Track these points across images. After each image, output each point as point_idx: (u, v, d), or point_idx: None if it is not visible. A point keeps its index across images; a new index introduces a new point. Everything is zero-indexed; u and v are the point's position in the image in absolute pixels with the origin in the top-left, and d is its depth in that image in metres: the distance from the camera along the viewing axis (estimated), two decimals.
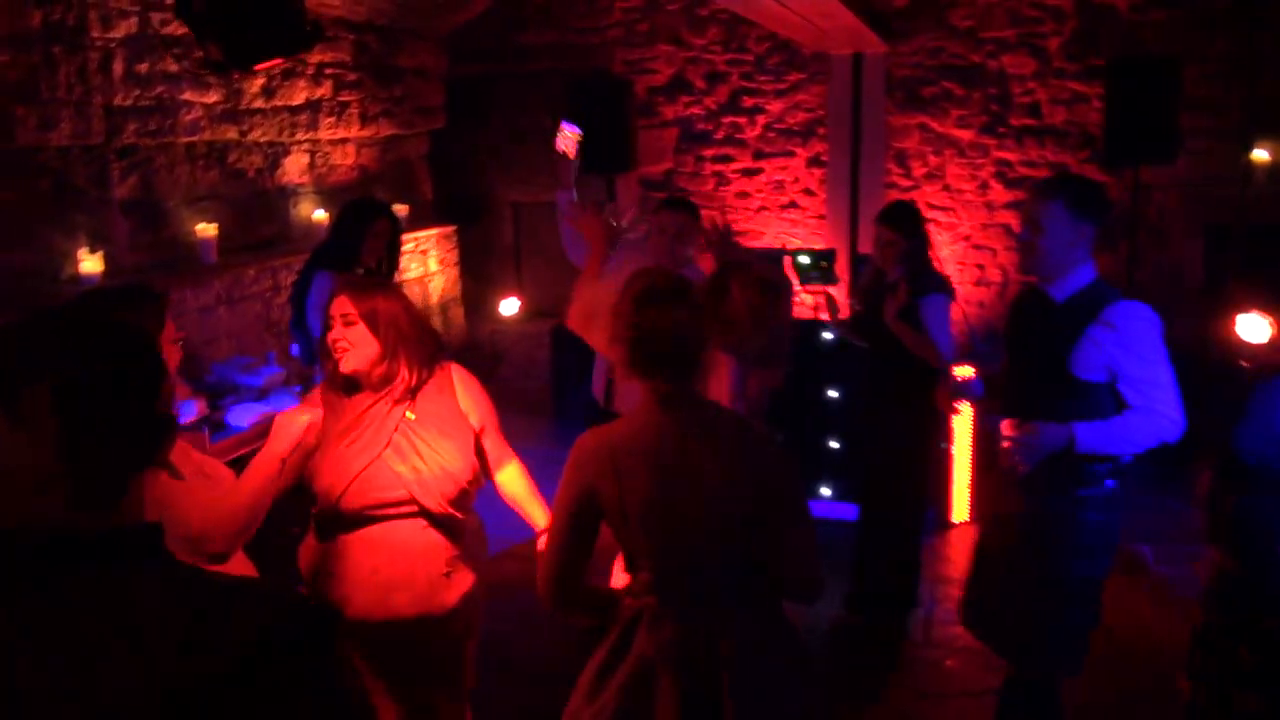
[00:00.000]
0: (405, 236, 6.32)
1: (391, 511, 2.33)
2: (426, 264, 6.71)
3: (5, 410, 1.08)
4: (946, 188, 6.17)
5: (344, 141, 5.94)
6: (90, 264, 4.12)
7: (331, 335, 2.34)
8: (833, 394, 4.69)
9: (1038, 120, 5.97)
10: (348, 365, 2.33)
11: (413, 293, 6.57)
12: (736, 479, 1.84)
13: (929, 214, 6.24)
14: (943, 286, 3.56)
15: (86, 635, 1.13)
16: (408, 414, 2.37)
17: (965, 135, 6.10)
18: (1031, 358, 2.47)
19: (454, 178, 7.21)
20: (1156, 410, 2.29)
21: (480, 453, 2.50)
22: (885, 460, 3.78)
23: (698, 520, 1.84)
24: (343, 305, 2.34)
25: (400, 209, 6.33)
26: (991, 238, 6.15)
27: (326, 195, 5.77)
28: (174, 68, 4.49)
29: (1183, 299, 5.55)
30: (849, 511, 4.42)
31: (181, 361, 3.26)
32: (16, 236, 3.85)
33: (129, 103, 4.28)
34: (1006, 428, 2.34)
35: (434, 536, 2.36)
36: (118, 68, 4.19)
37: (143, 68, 4.31)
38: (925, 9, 5.98)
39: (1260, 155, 5.61)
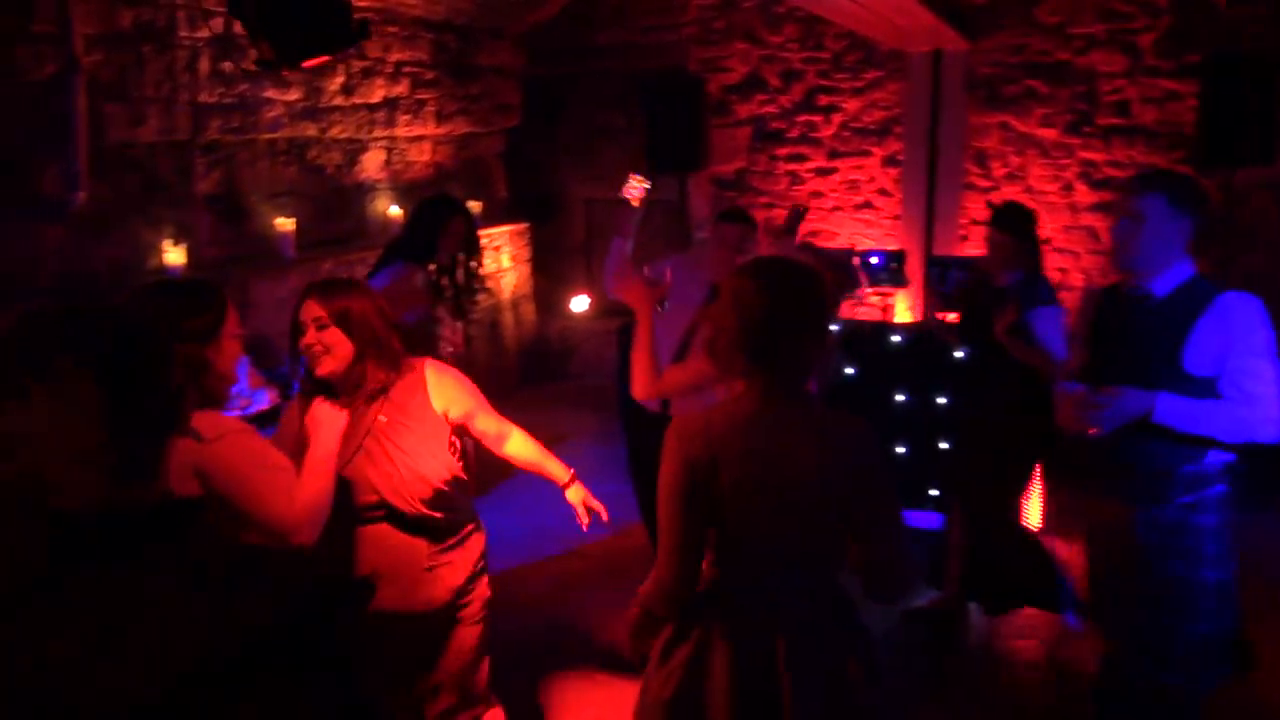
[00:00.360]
0: (479, 233, 6.43)
1: (368, 515, 2.40)
2: (499, 260, 6.78)
3: (39, 379, 1.12)
4: (1028, 189, 5.98)
5: (420, 139, 6.04)
6: (174, 256, 4.26)
7: (304, 341, 2.33)
8: (900, 398, 4.58)
9: (1127, 119, 5.75)
10: (324, 369, 2.31)
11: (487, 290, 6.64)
12: (830, 466, 1.81)
13: None
14: (1053, 297, 3.42)
15: (149, 603, 1.16)
16: (380, 417, 2.38)
17: (1049, 135, 5.90)
18: (1135, 355, 2.37)
19: (527, 175, 7.28)
20: (1254, 404, 2.20)
21: (472, 439, 2.58)
22: (988, 469, 3.62)
23: (789, 504, 1.82)
24: (312, 309, 2.33)
25: (474, 206, 6.42)
26: (1074, 241, 5.94)
27: (402, 191, 5.87)
28: (256, 66, 4.62)
29: (1276, 304, 5.28)
30: (918, 519, 4.33)
31: (251, 352, 3.36)
32: (108, 229, 4.00)
33: (213, 100, 4.42)
34: (1081, 391, 2.26)
35: (411, 536, 2.43)
36: (203, 66, 4.33)
37: (227, 66, 4.45)
38: (1009, 5, 5.81)
39: None
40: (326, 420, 2.22)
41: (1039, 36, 5.79)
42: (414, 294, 3.70)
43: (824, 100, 6.35)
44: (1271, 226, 5.55)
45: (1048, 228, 5.99)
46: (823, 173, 6.43)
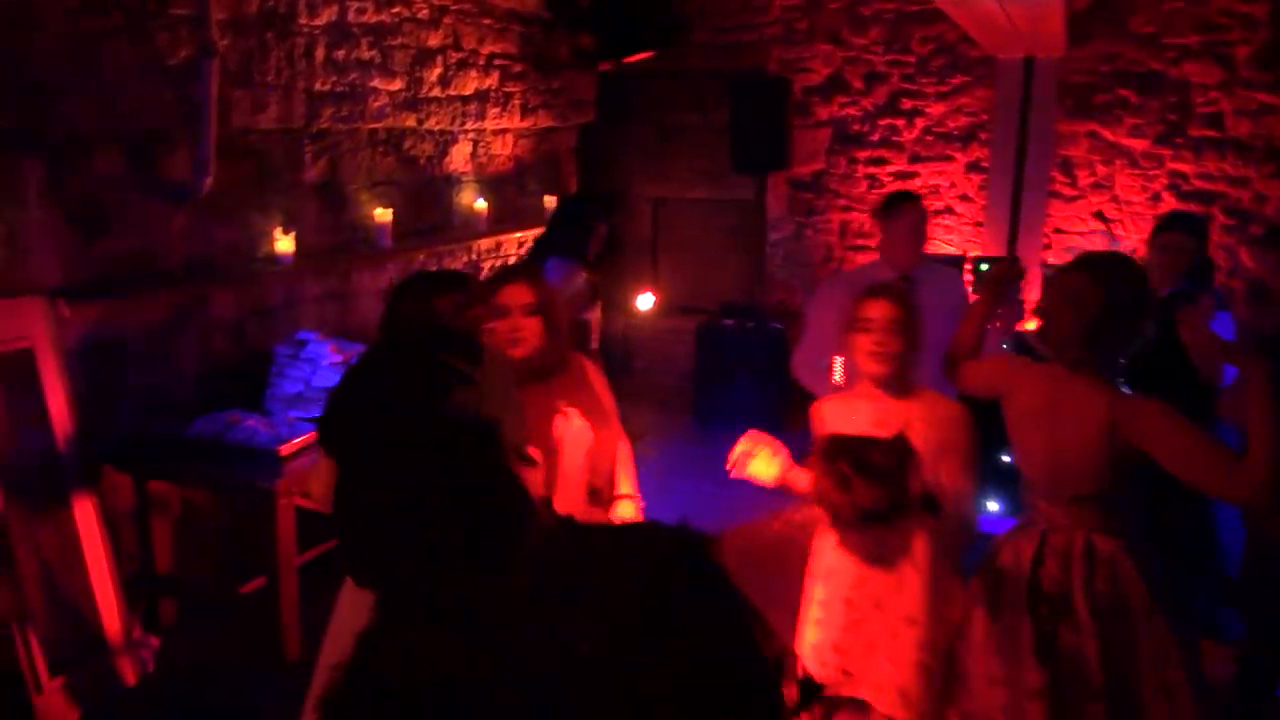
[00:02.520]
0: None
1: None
2: None
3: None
4: (1114, 199, 5.95)
5: (504, 132, 6.02)
6: (284, 244, 4.25)
7: (502, 324, 2.36)
8: None
9: (1219, 132, 5.71)
10: (522, 351, 2.37)
11: None
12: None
13: (1092, 224, 6.05)
14: (1225, 304, 3.39)
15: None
16: (565, 409, 2.42)
17: (1139, 145, 5.87)
18: None
19: (596, 172, 7.25)
20: None
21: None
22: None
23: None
24: (521, 294, 2.40)
25: (550, 201, 6.41)
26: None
27: (485, 184, 5.85)
28: (367, 55, 4.60)
29: None
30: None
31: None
32: (226, 215, 3.99)
33: (326, 88, 4.41)
34: None
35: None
36: (319, 54, 4.31)
37: (340, 54, 4.43)
38: (1103, 13, 5.77)
39: None
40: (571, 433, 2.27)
41: (1132, 46, 5.76)
42: (579, 292, 3.74)
43: (907, 104, 6.32)
44: None
45: (1133, 238, 5.96)
46: (903, 176, 6.40)
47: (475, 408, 1.12)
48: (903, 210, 3.35)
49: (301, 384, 3.73)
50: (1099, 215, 6.00)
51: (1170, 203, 5.87)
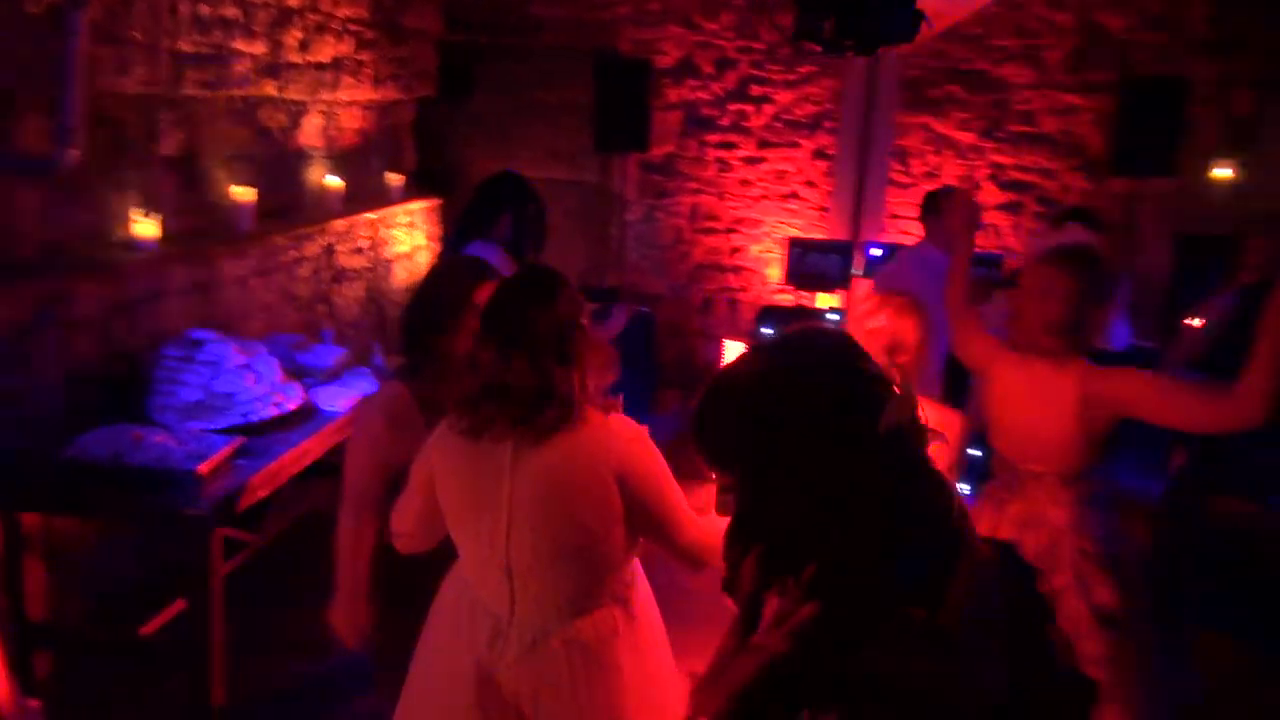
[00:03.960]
0: (396, 209, 6.02)
1: None
2: (414, 238, 6.37)
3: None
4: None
5: (352, 104, 5.54)
6: (145, 227, 3.69)
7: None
8: None
9: (1033, 128, 6.31)
10: None
11: (403, 269, 6.24)
12: None
13: None
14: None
15: None
16: None
17: (965, 138, 6.36)
18: None
19: (431, 148, 6.88)
20: None
21: None
22: None
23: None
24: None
25: (395, 179, 6.01)
26: (981, 237, 6.44)
27: (335, 160, 5.37)
28: (230, 13, 4.06)
29: (1146, 296, 6.03)
30: None
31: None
32: (83, 194, 3.39)
33: (190, 49, 3.84)
34: None
35: None
36: (183, 9, 3.75)
37: (205, 9, 3.88)
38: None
39: (1223, 173, 6.15)
40: None
41: (961, 45, 6.22)
42: None
43: (757, 91, 6.47)
44: (1152, 231, 6.28)
45: None
46: (751, 161, 6.56)
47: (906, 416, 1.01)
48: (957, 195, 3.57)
49: (201, 391, 3.26)
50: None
51: (992, 191, 6.42)
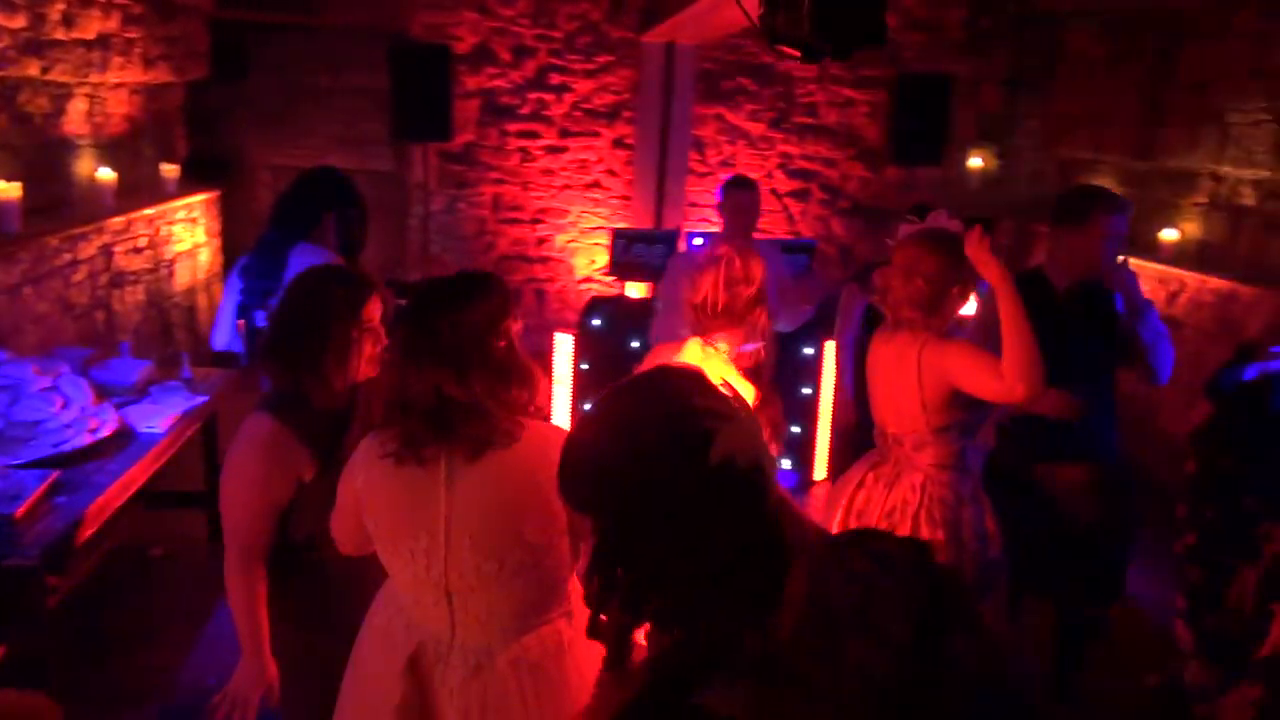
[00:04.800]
0: (176, 203, 5.51)
1: None
2: (194, 235, 5.83)
3: None
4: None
5: (121, 86, 4.97)
6: None
7: (374, 339, 2.14)
8: None
9: (815, 119, 6.70)
10: None
11: (186, 269, 5.71)
12: None
13: None
14: None
15: None
16: None
17: (756, 128, 6.66)
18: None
19: (205, 135, 6.31)
20: None
21: None
22: None
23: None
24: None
25: (170, 170, 5.50)
26: (774, 223, 6.79)
27: (104, 150, 4.80)
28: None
29: None
30: None
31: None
32: None
33: None
34: None
35: None
36: None
37: None
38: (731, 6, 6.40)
39: (977, 162, 6.84)
40: None
41: (750, 39, 6.48)
42: None
43: (556, 79, 6.43)
44: None
45: None
46: (554, 150, 6.53)
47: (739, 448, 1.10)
48: (735, 192, 3.59)
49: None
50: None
51: (781, 180, 6.77)
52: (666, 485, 1.09)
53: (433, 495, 1.72)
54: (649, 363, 2.55)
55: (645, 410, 1.16)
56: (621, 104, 6.50)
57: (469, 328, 1.71)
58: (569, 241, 6.65)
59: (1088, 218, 2.77)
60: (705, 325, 2.47)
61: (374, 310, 2.09)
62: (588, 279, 6.71)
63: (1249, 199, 5.05)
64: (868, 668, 1.05)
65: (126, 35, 4.83)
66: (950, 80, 6.03)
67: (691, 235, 5.24)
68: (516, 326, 1.79)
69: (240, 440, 2.02)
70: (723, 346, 2.44)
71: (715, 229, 6.27)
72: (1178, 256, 5.27)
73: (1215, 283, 4.92)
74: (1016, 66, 6.55)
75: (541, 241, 6.66)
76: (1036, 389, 2.29)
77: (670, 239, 5.27)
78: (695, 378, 1.20)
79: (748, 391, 2.41)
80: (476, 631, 1.78)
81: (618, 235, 5.24)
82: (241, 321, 3.35)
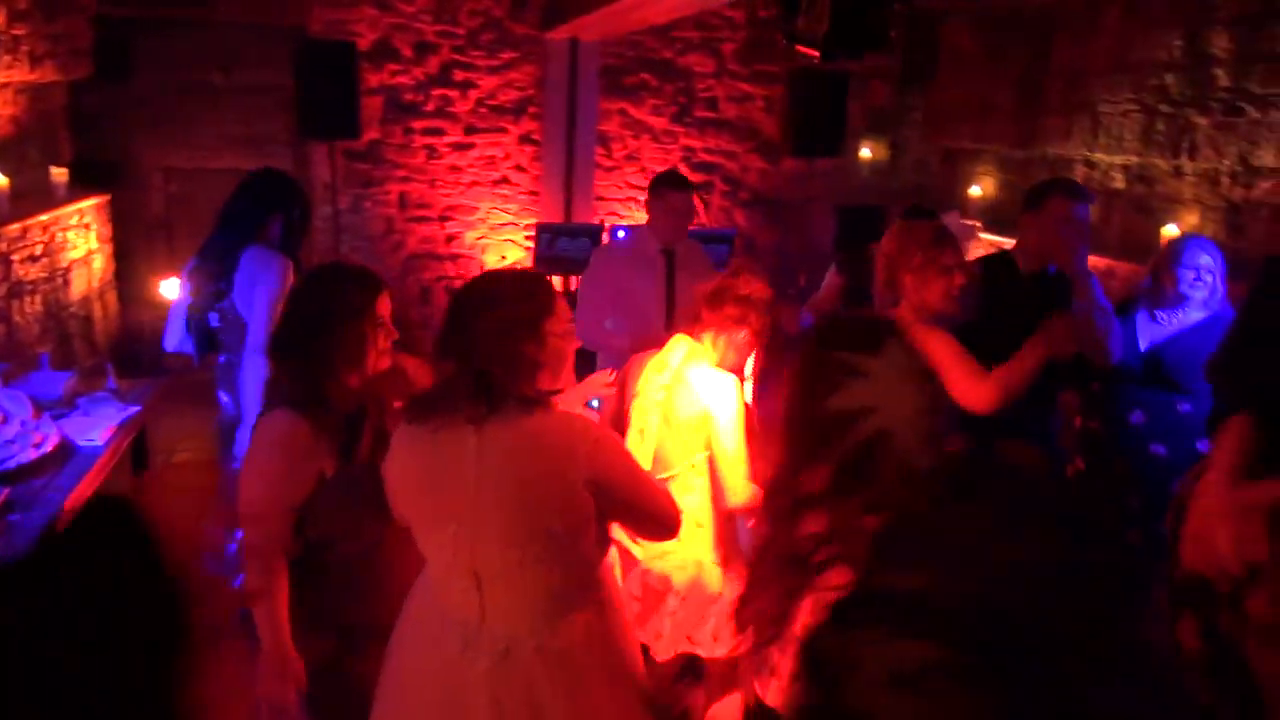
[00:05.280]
0: (70, 208, 5.27)
1: None
2: (88, 241, 5.56)
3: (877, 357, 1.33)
4: (643, 169, 6.82)
5: (6, 86, 4.70)
6: None
7: (385, 335, 2.19)
8: None
9: (715, 113, 6.90)
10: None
11: (81, 275, 5.45)
12: None
13: (628, 193, 6.86)
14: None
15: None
16: None
17: (659, 123, 6.80)
18: None
19: (90, 137, 6.02)
20: None
21: None
22: None
23: None
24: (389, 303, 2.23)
25: (60, 174, 5.26)
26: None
27: None
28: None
29: (817, 262, 6.91)
30: None
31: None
32: None
33: None
34: None
35: None
36: None
37: None
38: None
39: (866, 153, 7.19)
40: None
41: (650, 35, 6.61)
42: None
43: (460, 76, 6.40)
44: (816, 203, 7.15)
45: None
46: (460, 147, 6.50)
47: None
48: (671, 194, 3.61)
49: None
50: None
51: (685, 173, 6.90)
52: None
53: (462, 482, 1.77)
54: (633, 369, 2.61)
55: None
56: (527, 100, 6.53)
57: (506, 324, 1.76)
58: (479, 238, 6.64)
59: (1043, 202, 2.92)
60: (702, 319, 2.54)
61: (384, 305, 2.12)
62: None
63: (1119, 183, 5.50)
64: None
65: (14, 32, 4.58)
66: (848, 76, 6.31)
67: (615, 230, 5.33)
68: (561, 326, 1.85)
69: (259, 439, 2.03)
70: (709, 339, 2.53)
71: (632, 222, 6.40)
72: None
73: (1093, 260, 5.34)
74: (903, 62, 6.90)
75: (451, 239, 6.62)
76: (999, 408, 2.47)
77: (594, 233, 5.36)
78: None
79: (734, 385, 2.50)
80: (504, 619, 1.81)
81: (541, 229, 5.29)
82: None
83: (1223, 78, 4.76)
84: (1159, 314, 3.09)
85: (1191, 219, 5.01)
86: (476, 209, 6.61)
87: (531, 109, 6.54)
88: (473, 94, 6.45)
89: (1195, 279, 3.00)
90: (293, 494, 2.00)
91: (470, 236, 6.63)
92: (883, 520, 1.23)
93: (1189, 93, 4.95)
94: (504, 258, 6.68)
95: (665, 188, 3.63)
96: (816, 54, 2.07)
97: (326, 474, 2.01)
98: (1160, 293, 3.08)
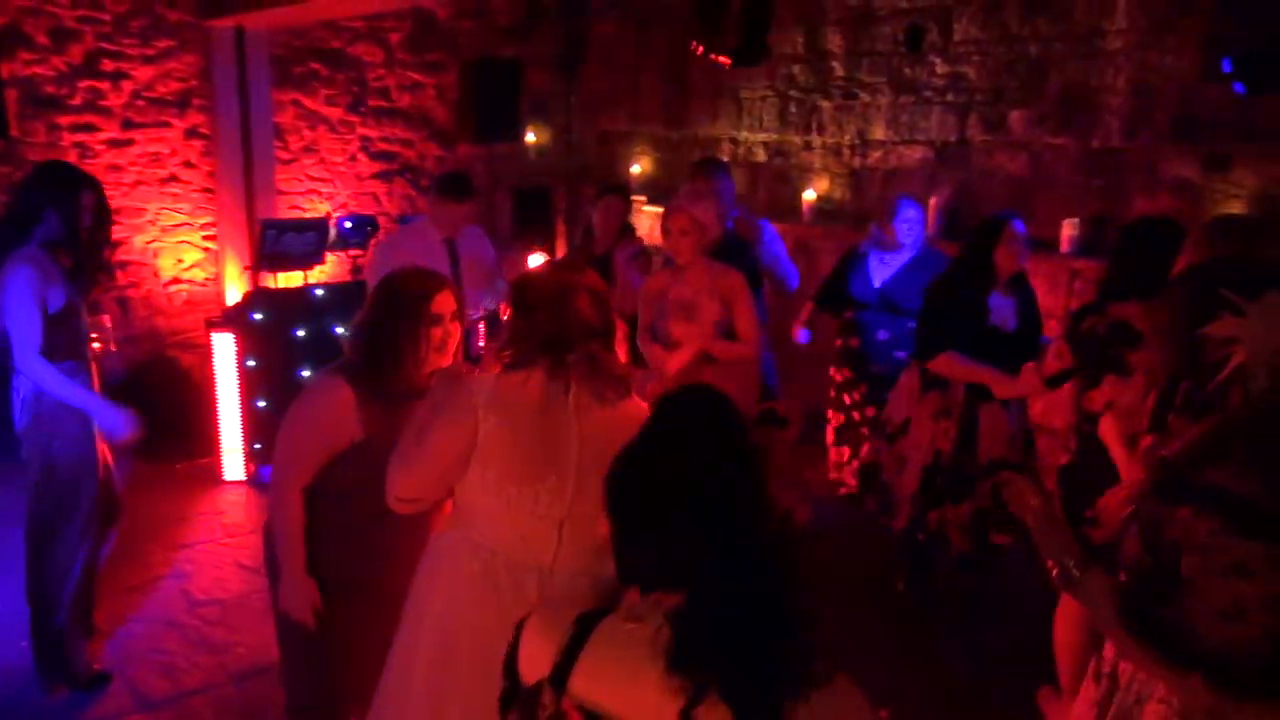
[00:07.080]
0: None
1: None
2: None
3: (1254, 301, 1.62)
4: (322, 161, 6.73)
5: None
6: None
7: (440, 331, 2.33)
8: None
9: (389, 102, 6.97)
10: (449, 359, 2.36)
11: None
12: None
13: (309, 185, 6.75)
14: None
15: None
16: None
17: (334, 113, 6.73)
18: None
19: None
20: None
21: None
22: None
23: None
24: (450, 302, 2.35)
25: None
26: (364, 205, 6.96)
27: None
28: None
29: (497, 242, 7.32)
30: None
31: None
32: None
33: None
34: None
35: None
36: None
37: None
38: None
39: (531, 137, 7.69)
40: None
41: (318, 24, 6.51)
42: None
43: (109, 66, 5.84)
44: (492, 185, 7.50)
45: (342, 194, 6.88)
46: (118, 144, 5.95)
47: None
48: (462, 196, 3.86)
49: None
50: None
51: (365, 162, 6.95)
52: None
53: (565, 438, 1.95)
54: None
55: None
56: (190, 91, 6.14)
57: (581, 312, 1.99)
58: (149, 242, 6.15)
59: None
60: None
61: (443, 304, 2.28)
62: (176, 280, 6.27)
63: (761, 157, 6.56)
64: None
65: None
66: (521, 64, 6.73)
67: (341, 220, 5.32)
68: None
69: (308, 387, 2.35)
70: None
71: (316, 215, 6.32)
72: None
73: None
74: (561, 51, 7.46)
75: (117, 245, 6.05)
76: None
77: (320, 226, 5.29)
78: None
79: None
80: (572, 556, 1.98)
81: (266, 226, 5.13)
82: None
83: (839, 69, 5.92)
84: (885, 257, 3.98)
85: (823, 184, 6.17)
86: (144, 210, 6.11)
87: (197, 100, 6.17)
88: (127, 85, 5.93)
89: (909, 230, 3.92)
90: (320, 443, 2.23)
91: (140, 241, 6.11)
92: (1212, 422, 1.55)
93: (814, 81, 6.07)
94: (180, 260, 6.26)
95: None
96: (728, 62, 2.49)
97: (356, 439, 2.23)
98: (884, 241, 3.97)
